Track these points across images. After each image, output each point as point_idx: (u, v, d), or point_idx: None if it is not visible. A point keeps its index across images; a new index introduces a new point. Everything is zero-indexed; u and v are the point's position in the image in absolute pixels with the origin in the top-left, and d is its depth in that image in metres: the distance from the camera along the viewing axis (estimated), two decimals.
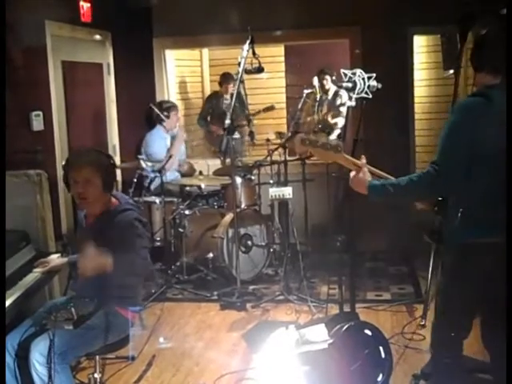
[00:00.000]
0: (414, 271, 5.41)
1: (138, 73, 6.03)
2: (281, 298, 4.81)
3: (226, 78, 6.88)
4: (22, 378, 2.81)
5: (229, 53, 7.26)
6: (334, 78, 6.22)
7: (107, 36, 5.59)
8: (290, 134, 5.34)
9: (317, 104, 6.22)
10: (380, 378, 3.14)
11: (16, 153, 3.91)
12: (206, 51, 8.02)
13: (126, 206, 3.03)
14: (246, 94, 5.46)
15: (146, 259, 2.90)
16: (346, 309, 3.59)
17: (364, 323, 3.30)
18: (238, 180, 5.31)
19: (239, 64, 4.67)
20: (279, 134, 5.78)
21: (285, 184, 5.20)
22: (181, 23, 6.15)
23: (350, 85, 3.28)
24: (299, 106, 5.77)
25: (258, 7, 5.94)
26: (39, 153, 4.31)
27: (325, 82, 6.29)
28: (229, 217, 5.15)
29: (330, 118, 6.10)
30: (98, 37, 5.45)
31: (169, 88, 6.64)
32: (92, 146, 4.82)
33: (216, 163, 6.12)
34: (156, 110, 5.84)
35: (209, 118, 7.00)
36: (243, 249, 5.18)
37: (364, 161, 2.69)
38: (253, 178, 5.52)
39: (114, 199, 3.06)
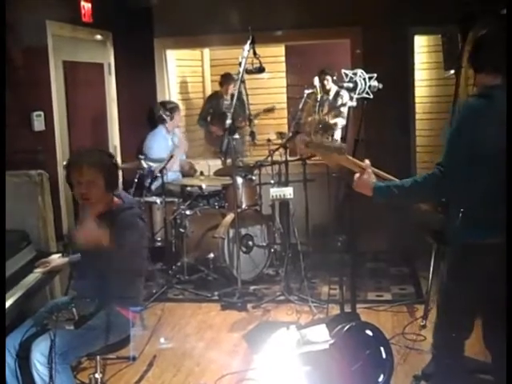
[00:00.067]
0: (415, 271, 5.39)
1: (138, 73, 6.03)
2: (282, 298, 4.81)
3: (226, 79, 6.88)
4: (23, 378, 2.81)
5: (230, 53, 7.25)
6: (334, 78, 6.23)
7: (108, 36, 5.59)
8: (290, 135, 5.33)
9: (318, 104, 6.22)
10: (381, 378, 3.13)
11: (17, 153, 3.91)
12: (206, 51, 8.01)
13: (129, 205, 3.04)
14: (247, 94, 5.45)
15: (144, 259, 2.90)
16: (347, 309, 3.58)
17: (365, 324, 3.29)
18: (239, 180, 5.31)
19: (240, 64, 4.67)
20: (280, 134, 5.78)
21: (286, 184, 5.20)
22: (182, 23, 6.15)
23: (350, 85, 3.27)
24: (300, 106, 5.75)
25: (258, 7, 5.94)
26: (40, 153, 4.31)
27: (326, 82, 6.30)
28: (230, 217, 5.14)
29: (330, 118, 6.09)
30: (98, 37, 5.45)
31: (170, 88, 6.64)
32: (93, 145, 4.82)
33: (217, 163, 6.11)
34: (160, 111, 5.85)
35: (209, 119, 7.01)
36: (244, 249, 5.17)
37: (368, 162, 2.69)
38: (254, 178, 5.52)
39: (116, 198, 3.06)
